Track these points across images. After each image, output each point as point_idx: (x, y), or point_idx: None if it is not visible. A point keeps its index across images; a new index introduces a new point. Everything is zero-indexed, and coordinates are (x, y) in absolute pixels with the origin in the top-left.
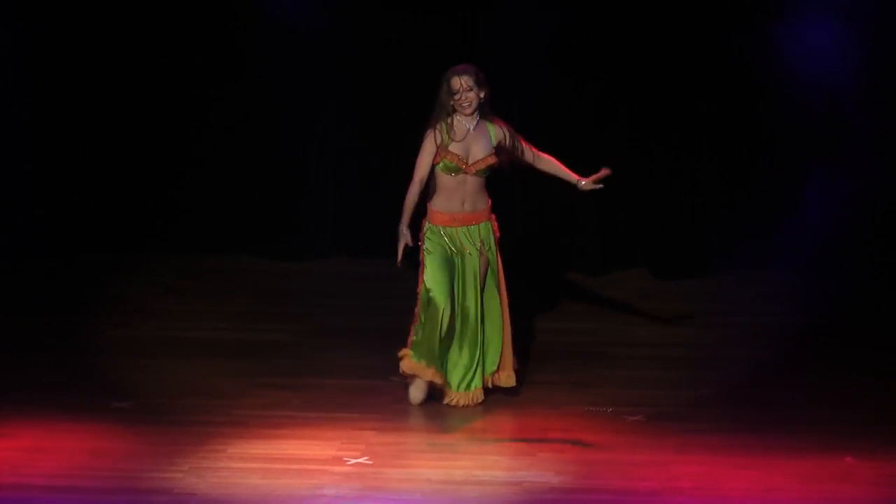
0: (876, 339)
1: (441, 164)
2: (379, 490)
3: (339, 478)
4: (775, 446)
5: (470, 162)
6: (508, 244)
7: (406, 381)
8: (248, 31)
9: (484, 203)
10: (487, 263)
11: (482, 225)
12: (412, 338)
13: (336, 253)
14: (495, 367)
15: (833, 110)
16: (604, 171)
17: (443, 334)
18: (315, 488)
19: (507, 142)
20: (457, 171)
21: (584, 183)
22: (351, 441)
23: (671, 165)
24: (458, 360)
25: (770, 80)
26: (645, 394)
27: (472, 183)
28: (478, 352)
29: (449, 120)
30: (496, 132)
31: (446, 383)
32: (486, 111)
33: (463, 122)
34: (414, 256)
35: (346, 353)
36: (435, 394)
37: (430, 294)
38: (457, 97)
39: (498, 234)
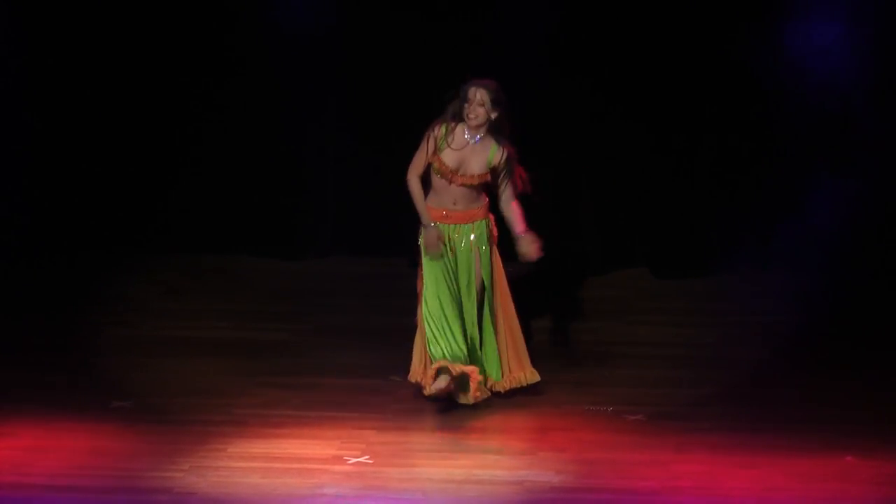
0: (876, 338)
1: (432, 166)
2: (379, 489)
3: (340, 477)
4: (775, 445)
5: (459, 174)
6: (508, 243)
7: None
8: (248, 30)
9: (479, 203)
10: (481, 261)
11: (476, 223)
12: (429, 352)
13: (336, 252)
14: (499, 372)
15: (836, 109)
16: (535, 250)
17: (456, 334)
18: (315, 487)
19: (500, 167)
20: (444, 178)
21: (524, 238)
22: (351, 440)
23: (672, 164)
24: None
25: (772, 79)
26: (645, 393)
27: (460, 188)
28: (478, 350)
29: (452, 125)
30: (496, 154)
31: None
32: (497, 131)
33: (465, 132)
34: (414, 255)
35: (347, 352)
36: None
37: (431, 302)
38: (467, 106)
39: (496, 234)
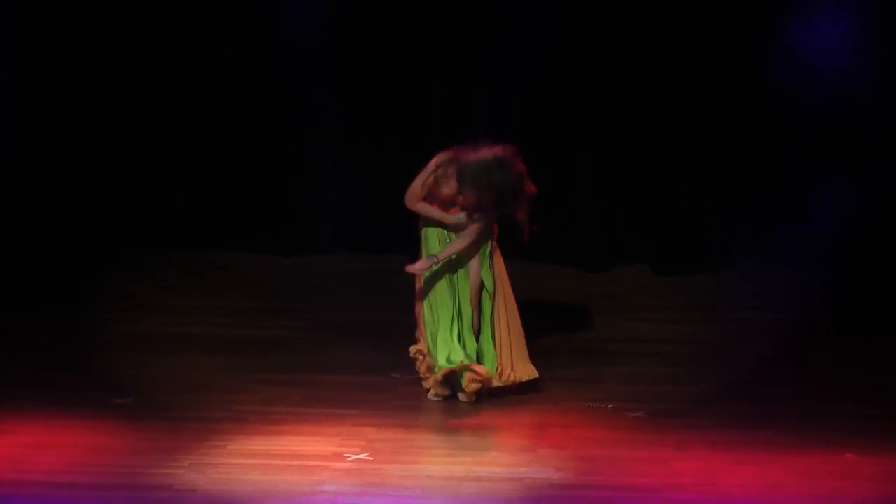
0: (876, 335)
1: (431, 192)
2: (379, 486)
3: (340, 474)
4: (775, 442)
5: (451, 209)
6: (507, 242)
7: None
8: (250, 28)
9: None
10: (480, 259)
11: None
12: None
13: (336, 248)
14: (494, 366)
15: (837, 107)
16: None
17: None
18: (315, 484)
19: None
20: (442, 202)
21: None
22: (351, 437)
23: (672, 161)
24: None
25: (774, 77)
26: (645, 390)
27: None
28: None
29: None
30: None
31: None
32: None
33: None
34: (414, 253)
35: (347, 349)
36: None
37: (432, 305)
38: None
39: (496, 230)
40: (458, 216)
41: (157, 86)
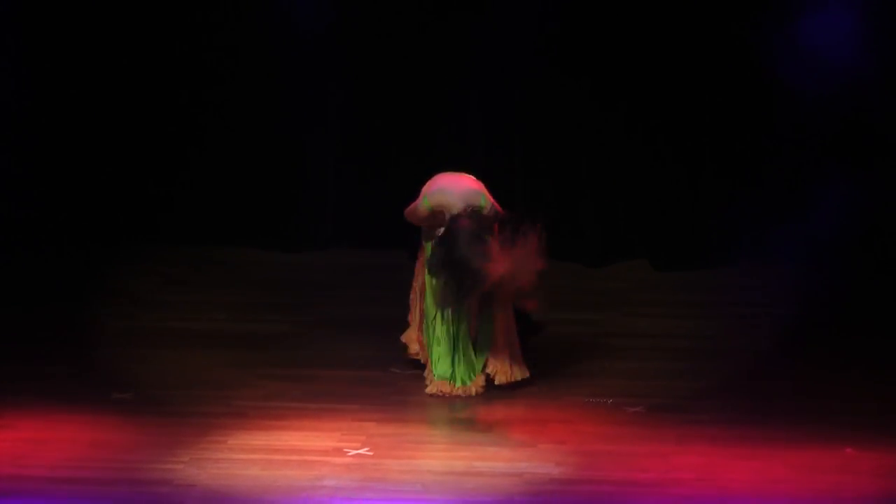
0: (877, 330)
1: None
2: (379, 481)
3: (340, 469)
4: (775, 437)
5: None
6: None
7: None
8: (250, 25)
9: None
10: None
11: None
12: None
13: (336, 244)
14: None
15: (839, 103)
16: None
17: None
18: (316, 479)
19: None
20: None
21: None
22: (351, 432)
23: (672, 156)
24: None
25: (775, 72)
26: (645, 385)
27: None
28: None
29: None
30: (485, 200)
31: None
32: None
33: None
34: (413, 248)
35: (347, 344)
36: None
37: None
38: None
39: (497, 230)
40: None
41: (158, 82)
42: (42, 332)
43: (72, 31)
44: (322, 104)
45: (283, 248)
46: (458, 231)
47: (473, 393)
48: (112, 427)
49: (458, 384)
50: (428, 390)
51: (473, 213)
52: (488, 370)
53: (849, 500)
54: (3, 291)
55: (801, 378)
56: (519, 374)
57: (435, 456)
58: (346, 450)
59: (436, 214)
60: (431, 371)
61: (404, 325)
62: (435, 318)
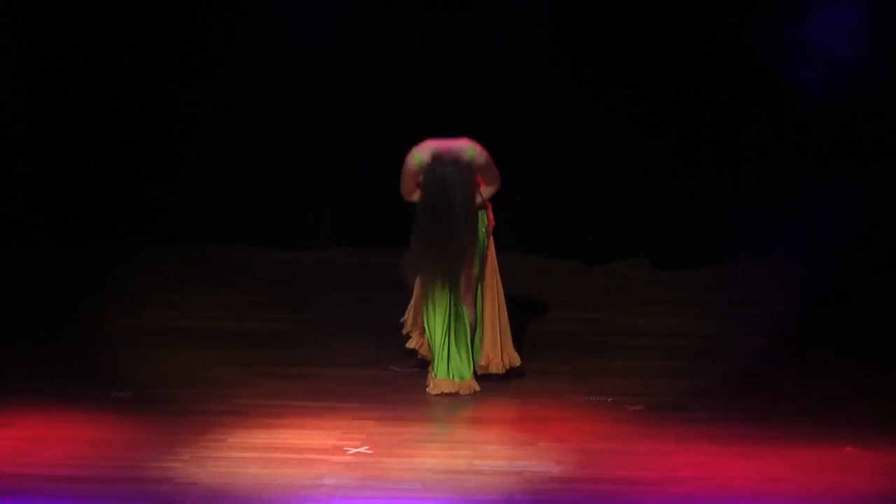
0: (876, 329)
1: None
2: (379, 479)
3: (340, 467)
4: (775, 436)
5: None
6: (506, 235)
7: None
8: (251, 24)
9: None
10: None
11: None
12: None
13: (336, 242)
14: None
15: (839, 102)
16: None
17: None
18: (315, 478)
19: (481, 164)
20: None
21: None
22: (351, 430)
23: (672, 155)
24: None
25: (775, 69)
26: (645, 383)
27: None
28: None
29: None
30: (475, 152)
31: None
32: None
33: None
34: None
35: (347, 342)
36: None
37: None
38: None
39: (492, 224)
40: None
41: (157, 80)
42: (41, 330)
43: (72, 31)
44: (322, 103)
45: (283, 246)
46: (441, 162)
47: (477, 388)
48: (112, 425)
49: (458, 379)
50: (430, 390)
51: (458, 155)
52: (481, 362)
53: (848, 499)
54: (4, 290)
55: (801, 377)
56: (510, 362)
57: (435, 454)
58: (345, 448)
59: (425, 170)
60: (433, 372)
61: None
62: (435, 315)
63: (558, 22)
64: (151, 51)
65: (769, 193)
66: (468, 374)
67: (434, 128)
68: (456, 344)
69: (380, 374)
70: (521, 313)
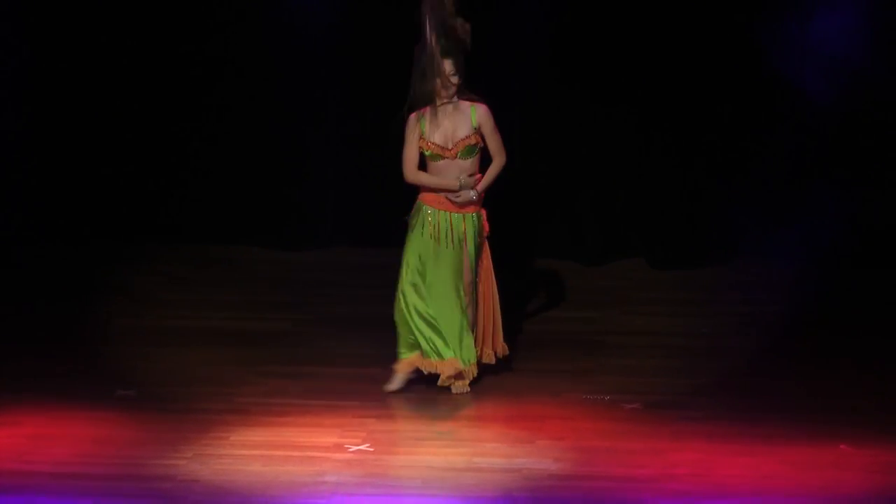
0: (871, 328)
1: (425, 154)
2: (380, 477)
3: (341, 465)
4: (771, 434)
5: (451, 147)
6: (506, 234)
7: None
8: (251, 23)
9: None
10: (467, 257)
11: (468, 216)
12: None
13: (337, 242)
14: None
15: (837, 103)
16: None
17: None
18: (317, 475)
19: (484, 125)
20: (440, 158)
21: (469, 193)
22: (352, 428)
23: (670, 155)
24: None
25: (773, 72)
26: (642, 382)
27: (458, 166)
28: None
29: (422, 111)
30: (476, 114)
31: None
32: (465, 90)
33: (442, 108)
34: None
35: (348, 341)
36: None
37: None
38: (439, 82)
39: (487, 231)
40: (461, 178)
41: (159, 81)
42: (44, 329)
43: (74, 30)
44: (322, 104)
45: (284, 246)
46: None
47: (475, 374)
48: (115, 423)
49: (465, 365)
50: (442, 372)
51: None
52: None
53: (843, 496)
54: (6, 290)
55: (797, 376)
56: (501, 351)
57: (435, 452)
58: (346, 446)
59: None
60: (439, 361)
61: None
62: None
63: (558, 22)
64: (152, 51)
65: (767, 194)
66: (474, 358)
67: None
68: (468, 330)
69: (380, 372)
70: (521, 313)
